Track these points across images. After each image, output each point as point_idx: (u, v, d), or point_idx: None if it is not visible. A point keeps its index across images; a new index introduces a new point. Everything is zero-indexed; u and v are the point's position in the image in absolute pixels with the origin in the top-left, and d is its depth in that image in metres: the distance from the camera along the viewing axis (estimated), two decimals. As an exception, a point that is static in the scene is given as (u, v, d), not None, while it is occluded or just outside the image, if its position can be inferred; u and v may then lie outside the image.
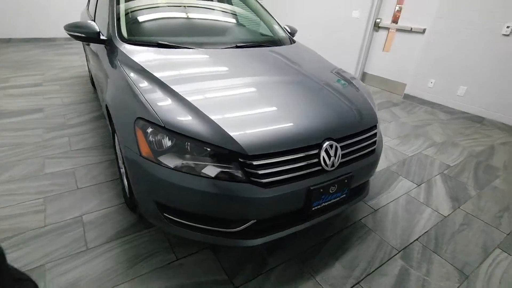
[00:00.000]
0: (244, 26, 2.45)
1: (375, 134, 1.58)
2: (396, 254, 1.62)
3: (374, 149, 1.57)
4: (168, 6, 2.24)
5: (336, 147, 1.35)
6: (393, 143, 2.94)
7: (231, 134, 1.18)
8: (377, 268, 1.53)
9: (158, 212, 1.29)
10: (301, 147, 1.26)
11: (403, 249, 1.66)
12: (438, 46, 3.91)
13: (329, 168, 1.32)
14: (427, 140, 3.07)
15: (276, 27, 2.47)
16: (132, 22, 1.92)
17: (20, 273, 0.49)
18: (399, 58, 4.54)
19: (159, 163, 1.19)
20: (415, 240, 1.73)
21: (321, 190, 1.32)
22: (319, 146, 1.31)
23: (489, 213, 2.02)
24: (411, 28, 4.23)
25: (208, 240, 1.29)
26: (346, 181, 1.40)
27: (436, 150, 2.88)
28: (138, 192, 1.35)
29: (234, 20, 2.48)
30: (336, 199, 1.42)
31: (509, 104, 3.44)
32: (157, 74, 1.44)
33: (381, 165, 2.53)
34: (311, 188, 1.28)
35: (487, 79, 3.54)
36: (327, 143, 1.32)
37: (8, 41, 5.62)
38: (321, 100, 1.53)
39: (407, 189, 2.23)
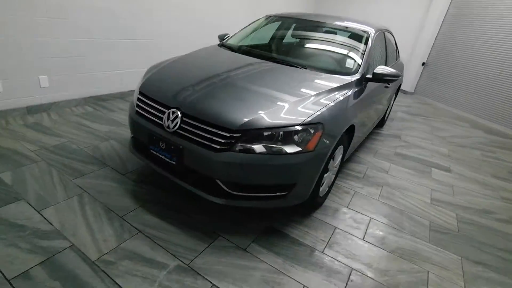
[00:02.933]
0: (323, 55, 2.60)
1: (225, 136, 1.58)
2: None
3: (215, 147, 1.59)
4: (279, 35, 3.00)
5: (177, 116, 1.70)
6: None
7: (144, 80, 2.03)
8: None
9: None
10: (161, 102, 1.82)
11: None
12: None
13: (165, 127, 1.74)
14: None
15: (349, 61, 2.39)
16: (243, 37, 2.96)
17: None
18: None
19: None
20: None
21: (153, 138, 1.78)
22: (168, 108, 1.76)
23: None
24: None
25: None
26: (172, 147, 1.70)
27: None
28: None
29: (320, 49, 2.69)
30: (165, 158, 1.76)
31: None
32: (191, 55, 2.46)
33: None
34: (150, 131, 1.80)
35: None
36: (173, 110, 1.73)
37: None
38: (225, 93, 1.80)
39: None
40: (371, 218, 2.19)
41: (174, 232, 1.76)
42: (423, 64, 6.80)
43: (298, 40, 2.89)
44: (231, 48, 2.67)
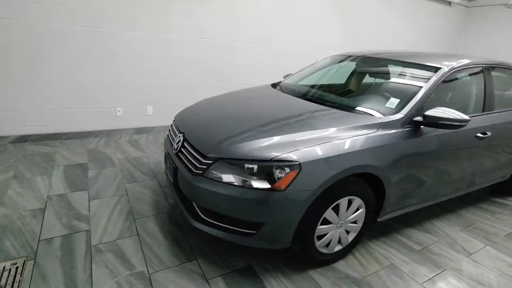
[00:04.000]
0: (366, 93, 2.27)
1: (200, 162, 1.69)
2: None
3: (192, 170, 1.71)
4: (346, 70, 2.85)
5: (180, 140, 1.97)
6: None
7: (178, 113, 2.42)
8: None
9: None
10: (177, 127, 2.15)
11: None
12: None
13: (173, 148, 2.04)
14: None
15: (393, 100, 2.01)
16: (301, 77, 2.98)
17: None
18: None
19: None
20: None
21: (166, 157, 2.11)
22: (179, 132, 2.06)
23: None
24: None
25: None
26: (171, 166, 1.96)
27: None
28: None
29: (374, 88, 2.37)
30: (169, 176, 2.03)
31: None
32: (232, 93, 2.73)
33: None
34: (167, 152, 2.15)
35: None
36: (181, 134, 2.02)
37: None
38: (227, 124, 1.94)
39: None
40: (390, 302, 1.65)
41: (162, 243, 1.95)
42: None
43: (349, 79, 2.70)
44: (281, 88, 2.78)
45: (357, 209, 1.86)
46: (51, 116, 3.38)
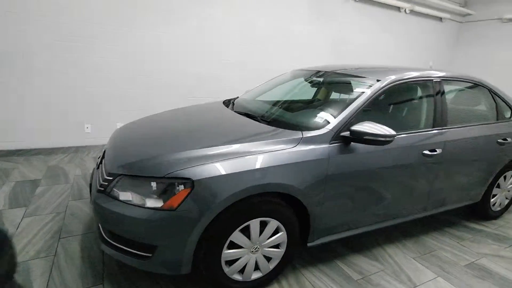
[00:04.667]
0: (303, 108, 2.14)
1: (104, 178, 1.60)
2: None
3: (98, 188, 1.62)
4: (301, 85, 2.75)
5: (101, 156, 1.90)
6: None
7: (117, 128, 2.35)
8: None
9: None
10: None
11: None
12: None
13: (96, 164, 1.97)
14: None
15: (323, 114, 1.89)
16: (257, 94, 2.89)
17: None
18: None
19: None
20: None
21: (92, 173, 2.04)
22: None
23: None
24: None
25: None
26: (90, 183, 1.89)
27: None
28: None
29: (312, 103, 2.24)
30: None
31: None
32: (176, 110, 2.65)
33: None
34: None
35: None
36: (104, 149, 1.95)
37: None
38: (151, 144, 1.85)
39: None
40: None
41: (75, 265, 1.83)
42: None
43: (294, 93, 2.59)
44: (233, 104, 2.68)
45: (276, 232, 1.70)
46: (19, 132, 3.43)
